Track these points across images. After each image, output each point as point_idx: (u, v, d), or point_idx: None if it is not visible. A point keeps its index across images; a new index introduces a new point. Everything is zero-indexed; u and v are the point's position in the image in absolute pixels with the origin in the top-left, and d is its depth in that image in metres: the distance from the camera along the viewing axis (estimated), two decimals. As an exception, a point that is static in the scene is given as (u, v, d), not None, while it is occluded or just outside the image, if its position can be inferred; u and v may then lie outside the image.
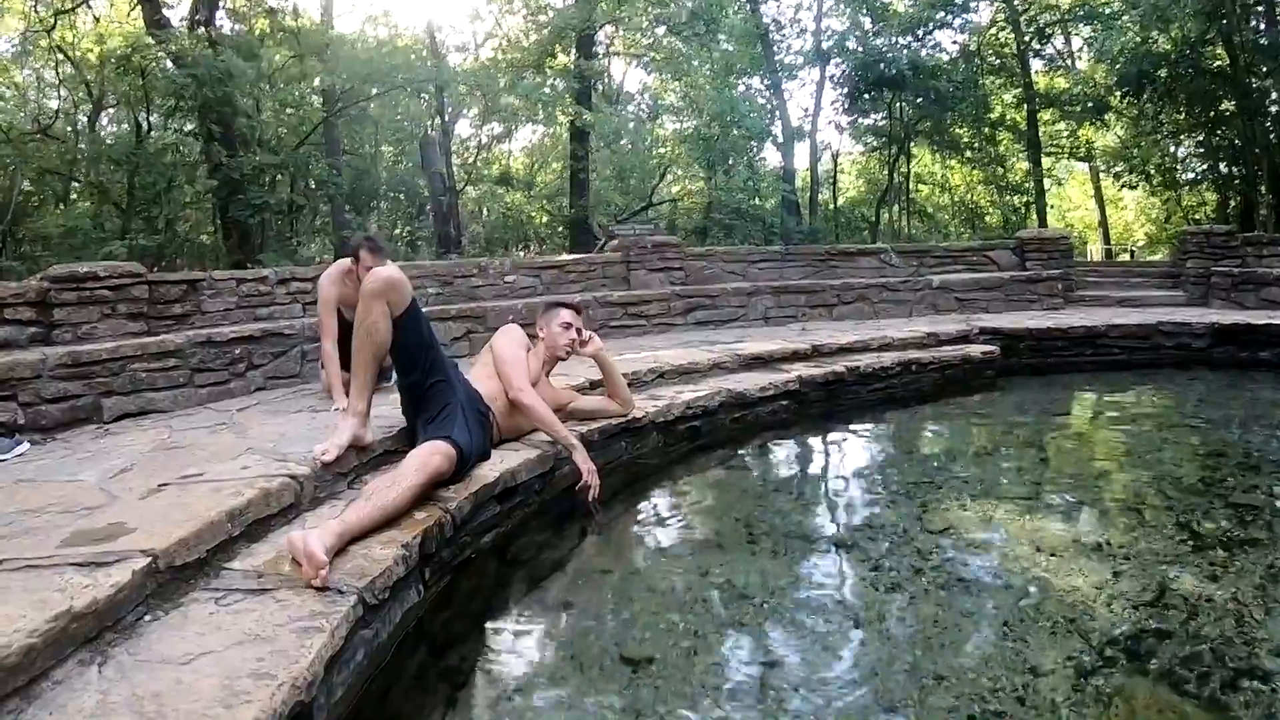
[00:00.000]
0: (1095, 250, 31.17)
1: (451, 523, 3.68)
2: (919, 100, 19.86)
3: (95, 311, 6.31)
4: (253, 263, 12.12)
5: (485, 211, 21.50)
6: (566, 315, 5.21)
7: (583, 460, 4.62)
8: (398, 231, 14.57)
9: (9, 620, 2.20)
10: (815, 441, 6.68)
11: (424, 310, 4.29)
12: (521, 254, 21.59)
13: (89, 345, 5.83)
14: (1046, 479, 5.32)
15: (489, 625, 3.44)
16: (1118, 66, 19.59)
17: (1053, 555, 3.90)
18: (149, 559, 2.65)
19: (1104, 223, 30.72)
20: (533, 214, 22.53)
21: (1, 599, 2.36)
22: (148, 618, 2.59)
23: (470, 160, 20.36)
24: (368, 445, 4.18)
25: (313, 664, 2.38)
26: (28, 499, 3.77)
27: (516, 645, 3.29)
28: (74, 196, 16.10)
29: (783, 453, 6.34)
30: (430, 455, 3.67)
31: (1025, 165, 24.03)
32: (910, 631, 3.23)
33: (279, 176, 14.48)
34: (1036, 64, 23.72)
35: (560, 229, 21.46)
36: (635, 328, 10.15)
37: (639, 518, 4.81)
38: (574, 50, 18.34)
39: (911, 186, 24.23)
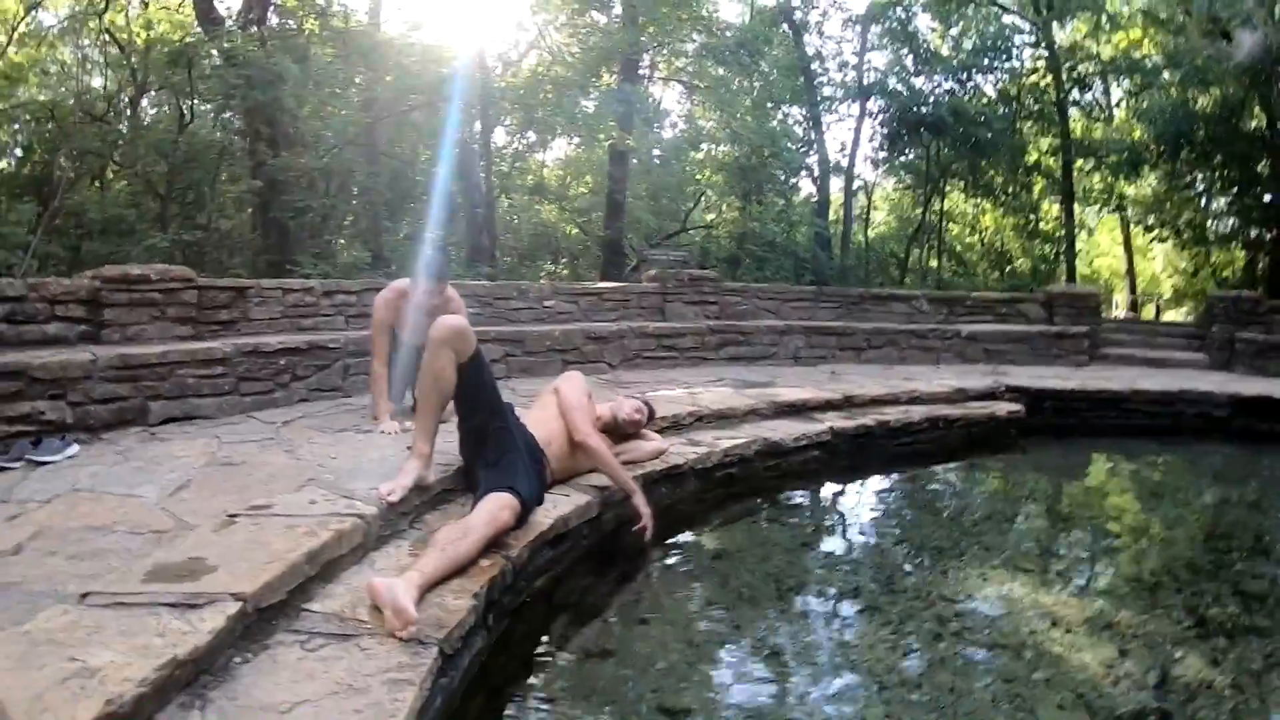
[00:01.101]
0: (1121, 299, 30.95)
1: (512, 570, 3.74)
2: (957, 144, 19.85)
3: (145, 313, 6.39)
4: (291, 263, 12.17)
5: (516, 221, 21.50)
6: (643, 405, 5.59)
7: (642, 504, 4.72)
8: (429, 237, 14.58)
9: (118, 668, 2.24)
10: (844, 496, 6.75)
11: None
12: (552, 266, 21.62)
13: (139, 348, 5.89)
14: (1063, 551, 5.42)
15: (537, 671, 3.52)
16: (1156, 125, 19.55)
17: (1067, 631, 3.97)
18: (240, 604, 2.70)
19: (1131, 272, 30.41)
20: (569, 230, 22.52)
21: (101, 640, 2.40)
22: (238, 660, 2.64)
23: (506, 170, 20.37)
24: (429, 485, 4.24)
25: (407, 717, 2.44)
26: (90, 514, 3.83)
27: (563, 692, 3.35)
28: (111, 176, 16.15)
29: (813, 506, 6.44)
30: (500, 510, 3.74)
31: (1056, 212, 23.95)
32: (929, 698, 3.31)
33: (320, 180, 14.52)
34: (1073, 112, 23.66)
35: (591, 247, 21.46)
36: (668, 359, 10.19)
37: (676, 566, 4.88)
38: (618, 72, 18.53)
39: (942, 226, 24.20)
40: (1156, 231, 24.44)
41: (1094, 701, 3.30)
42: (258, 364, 6.54)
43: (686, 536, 5.37)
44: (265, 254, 13.76)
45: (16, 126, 16.25)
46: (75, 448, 5.03)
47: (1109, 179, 23.53)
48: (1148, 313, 29.91)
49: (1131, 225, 28.05)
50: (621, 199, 18.40)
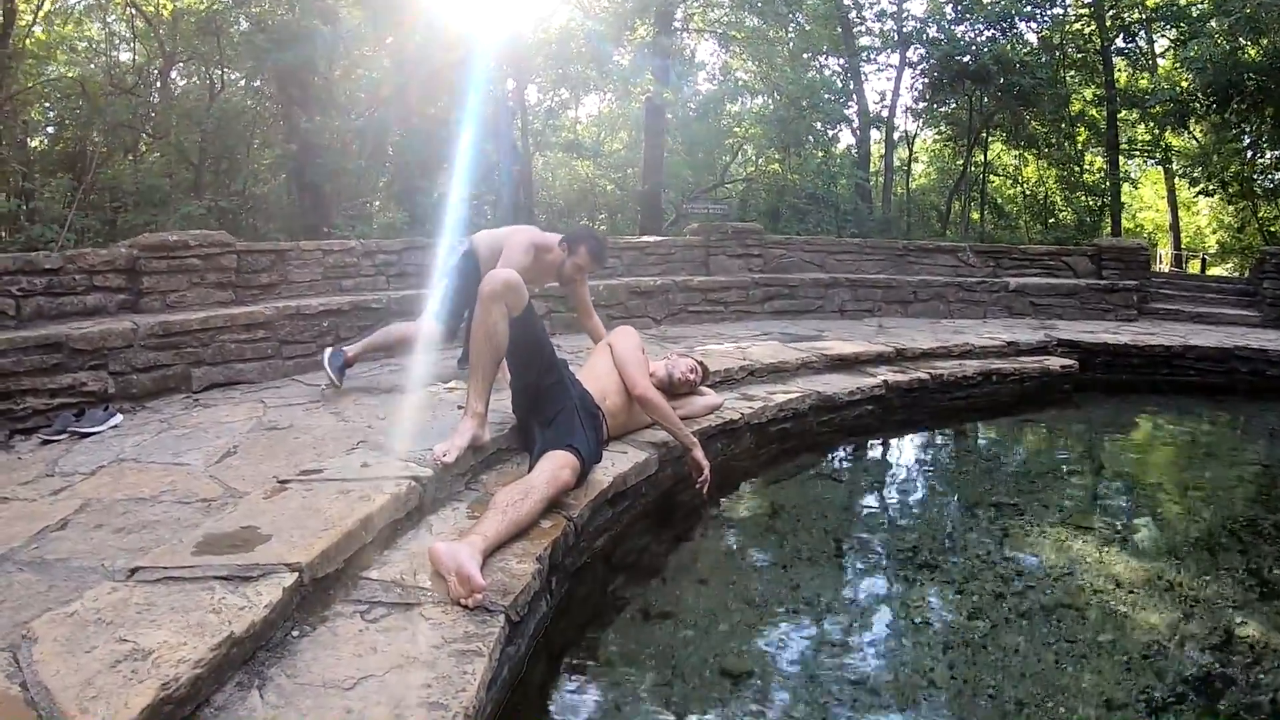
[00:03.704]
0: (1165, 254, 30.22)
1: (574, 531, 3.61)
2: (999, 94, 19.38)
3: (184, 280, 6.31)
4: (327, 226, 12.13)
5: (552, 178, 21.36)
6: (698, 367, 5.48)
7: (701, 458, 4.61)
8: (464, 195, 14.46)
9: (171, 649, 2.11)
10: (899, 451, 6.61)
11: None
12: (589, 222, 21.42)
13: (180, 315, 5.82)
14: (1122, 510, 5.28)
15: (598, 633, 3.45)
16: (1204, 75, 18.88)
17: (1130, 592, 3.90)
18: (296, 574, 2.56)
19: (1175, 226, 29.80)
20: (605, 185, 22.32)
21: (152, 618, 2.27)
22: (295, 633, 2.51)
23: (539, 127, 20.18)
24: (484, 445, 4.10)
25: (478, 691, 2.32)
26: (137, 484, 3.76)
27: (624, 655, 3.29)
28: (143, 148, 16.14)
29: (868, 461, 6.32)
30: (560, 469, 3.60)
31: (1100, 164, 23.42)
32: (994, 659, 3.26)
33: (354, 142, 14.44)
34: (1118, 61, 22.97)
35: (629, 202, 21.29)
36: (713, 314, 10.06)
37: (733, 523, 4.81)
38: (653, 24, 18.20)
39: (984, 178, 23.72)
40: (1202, 185, 23.87)
41: (1157, 663, 3.25)
42: (300, 326, 6.50)
43: (743, 493, 5.29)
44: (301, 218, 13.71)
45: (48, 104, 16.26)
46: (119, 417, 4.97)
47: (1154, 130, 22.97)
48: (1194, 268, 29.38)
49: (1176, 178, 27.45)
50: (659, 153, 18.23)
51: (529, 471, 3.70)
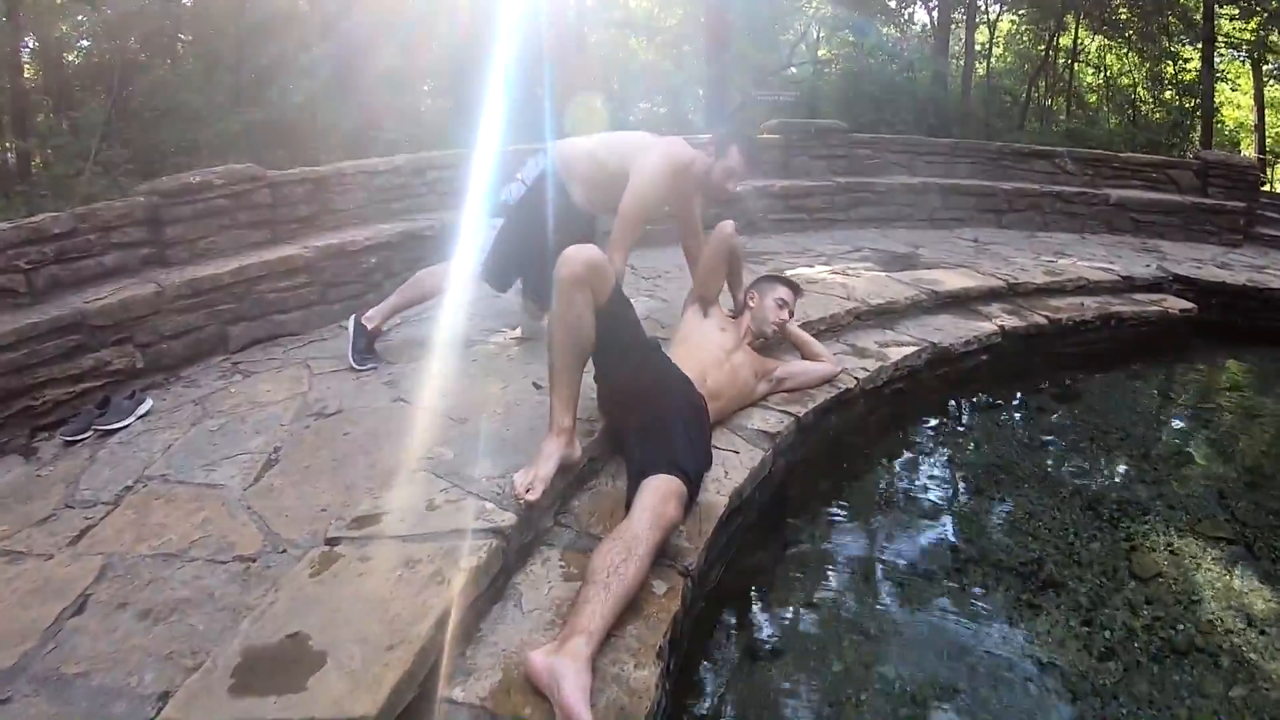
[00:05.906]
0: (1248, 155, 29.00)
1: (692, 588, 2.96)
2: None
3: (213, 224, 5.63)
4: (373, 129, 11.57)
5: (604, 56, 20.40)
6: (784, 293, 4.72)
7: None
8: (516, 81, 13.73)
9: None
10: (1012, 419, 5.93)
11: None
12: (647, 104, 20.54)
13: (209, 268, 5.22)
14: (1251, 510, 4.55)
15: (705, 685, 3.05)
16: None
17: (1262, 632, 3.43)
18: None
19: (1261, 128, 28.11)
20: (664, 65, 21.37)
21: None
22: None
23: (591, 4, 19.28)
24: (575, 463, 3.37)
25: None
26: (164, 525, 3.23)
27: (729, 709, 2.94)
28: (180, 51, 15.65)
29: (980, 432, 5.60)
30: (663, 504, 2.90)
31: (1188, 54, 22.04)
32: (1126, 712, 2.96)
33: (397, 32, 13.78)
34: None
35: (690, 85, 20.35)
36: (795, 222, 9.31)
37: (841, 523, 4.26)
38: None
39: (1072, 68, 22.45)
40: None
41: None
42: (344, 266, 5.91)
43: (851, 477, 4.72)
44: (347, 119, 13.08)
45: (81, 17, 15.74)
46: (148, 403, 4.40)
47: (1256, 31, 21.57)
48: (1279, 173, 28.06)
49: (1265, 76, 25.91)
50: (724, 33, 17.16)
51: (627, 496, 3.09)
